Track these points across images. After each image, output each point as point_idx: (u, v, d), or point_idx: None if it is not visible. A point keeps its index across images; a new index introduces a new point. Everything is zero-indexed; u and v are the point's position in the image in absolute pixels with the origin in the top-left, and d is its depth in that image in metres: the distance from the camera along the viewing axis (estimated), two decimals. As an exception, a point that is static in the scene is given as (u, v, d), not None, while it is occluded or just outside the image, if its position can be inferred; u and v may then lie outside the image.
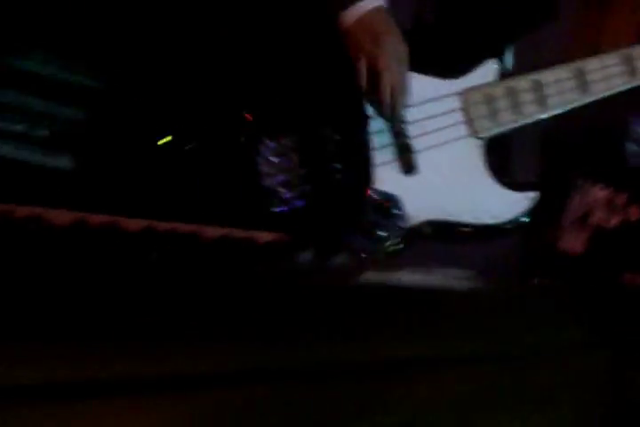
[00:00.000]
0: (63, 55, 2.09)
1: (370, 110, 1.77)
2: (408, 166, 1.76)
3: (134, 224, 1.97)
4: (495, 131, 1.72)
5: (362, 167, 1.86)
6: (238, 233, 2.05)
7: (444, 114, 1.78)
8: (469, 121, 1.74)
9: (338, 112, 1.88)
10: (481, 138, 1.74)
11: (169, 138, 2.25)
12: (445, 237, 1.88)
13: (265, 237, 2.08)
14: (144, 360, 1.33)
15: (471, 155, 1.74)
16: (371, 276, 2.01)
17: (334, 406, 1.39)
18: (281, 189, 1.95)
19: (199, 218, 2.03)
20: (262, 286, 1.73)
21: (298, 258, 1.97)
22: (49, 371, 1.17)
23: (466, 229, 1.84)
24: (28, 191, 1.90)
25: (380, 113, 1.73)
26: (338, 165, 1.88)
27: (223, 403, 1.27)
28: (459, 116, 1.75)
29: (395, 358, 1.57)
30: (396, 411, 1.41)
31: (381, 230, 1.87)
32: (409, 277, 1.98)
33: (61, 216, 1.87)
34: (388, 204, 1.85)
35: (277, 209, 1.95)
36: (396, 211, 1.85)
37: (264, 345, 1.44)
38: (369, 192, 1.87)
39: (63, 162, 2.13)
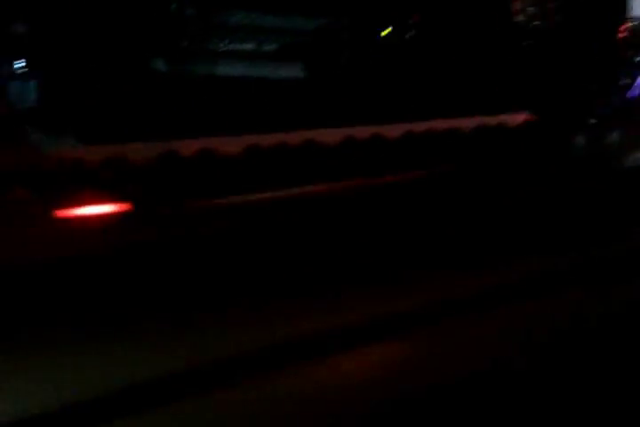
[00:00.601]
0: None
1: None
2: None
3: (395, 130, 2.03)
4: None
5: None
6: (490, 120, 2.07)
7: None
8: None
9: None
10: None
11: (389, 30, 2.23)
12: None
13: (516, 119, 2.09)
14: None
15: None
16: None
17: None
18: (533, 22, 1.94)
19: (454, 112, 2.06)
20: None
21: (555, 137, 1.98)
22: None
23: None
24: (289, 115, 1.97)
25: None
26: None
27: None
28: None
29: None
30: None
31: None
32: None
33: (330, 135, 1.94)
34: None
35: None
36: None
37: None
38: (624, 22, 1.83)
39: (295, 71, 2.17)
